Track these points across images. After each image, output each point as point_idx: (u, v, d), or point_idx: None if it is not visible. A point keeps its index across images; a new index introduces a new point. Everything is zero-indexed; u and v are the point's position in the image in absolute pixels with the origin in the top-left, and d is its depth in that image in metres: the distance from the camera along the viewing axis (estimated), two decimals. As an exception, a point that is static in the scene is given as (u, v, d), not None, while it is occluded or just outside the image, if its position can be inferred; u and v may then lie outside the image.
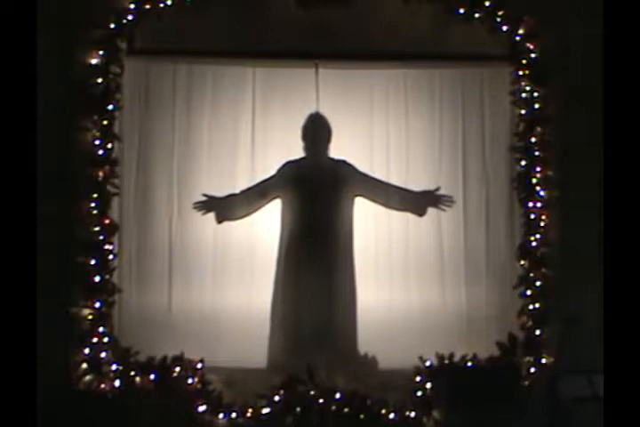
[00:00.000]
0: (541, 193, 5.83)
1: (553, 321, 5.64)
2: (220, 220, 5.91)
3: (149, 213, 5.92)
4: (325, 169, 5.96)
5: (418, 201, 5.97)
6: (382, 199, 5.95)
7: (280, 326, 5.84)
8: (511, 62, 5.93)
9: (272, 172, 5.97)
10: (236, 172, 5.99)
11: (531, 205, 5.83)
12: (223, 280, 5.89)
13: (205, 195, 5.89)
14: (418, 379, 5.63)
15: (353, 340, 5.85)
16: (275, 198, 5.97)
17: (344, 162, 5.97)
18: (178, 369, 5.60)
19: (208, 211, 5.90)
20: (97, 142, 5.72)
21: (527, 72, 5.88)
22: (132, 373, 5.58)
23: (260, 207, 5.95)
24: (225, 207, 5.92)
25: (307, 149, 5.98)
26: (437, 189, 5.94)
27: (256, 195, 5.94)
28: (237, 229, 5.93)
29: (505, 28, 5.91)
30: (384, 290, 5.90)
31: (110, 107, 5.74)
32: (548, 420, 5.20)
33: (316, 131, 5.95)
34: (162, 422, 5.46)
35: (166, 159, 5.95)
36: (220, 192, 5.93)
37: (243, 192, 5.93)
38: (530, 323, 5.72)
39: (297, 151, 5.98)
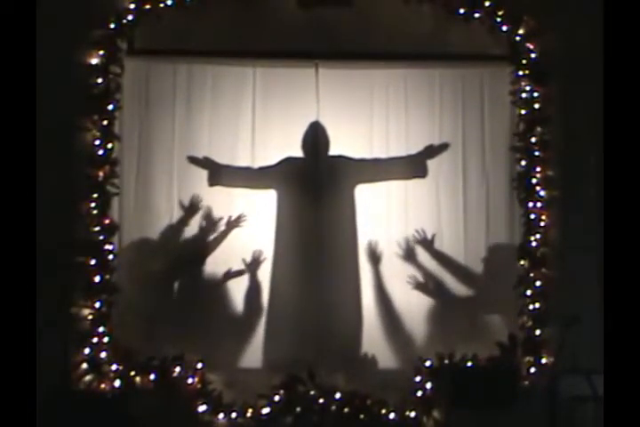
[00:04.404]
0: (541, 193, 5.84)
1: (553, 321, 5.63)
2: (211, 182, 5.92)
3: (149, 213, 5.92)
4: (324, 167, 5.96)
5: (417, 164, 5.97)
6: (382, 175, 5.96)
7: (280, 327, 5.84)
8: (511, 62, 5.93)
9: (272, 171, 6.02)
10: (235, 171, 6.01)
11: (531, 205, 5.83)
12: (224, 281, 5.89)
13: (205, 157, 5.91)
14: (418, 379, 5.64)
15: (355, 340, 5.84)
16: (269, 188, 5.97)
17: (340, 156, 5.98)
18: (178, 369, 5.60)
19: (202, 168, 5.92)
20: (97, 142, 5.72)
21: (527, 72, 5.89)
22: (132, 373, 5.58)
23: (251, 187, 5.94)
24: (220, 173, 5.93)
25: (306, 157, 5.99)
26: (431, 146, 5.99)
27: (252, 174, 5.93)
28: (237, 228, 5.93)
29: (505, 28, 5.92)
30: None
31: (110, 107, 5.75)
32: (548, 420, 5.20)
33: (316, 142, 5.95)
34: (162, 422, 5.46)
35: (166, 159, 5.95)
36: (221, 192, 5.93)
37: (240, 168, 5.94)
38: (530, 323, 5.72)
39: (297, 151, 5.99)
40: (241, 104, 6.00)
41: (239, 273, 5.88)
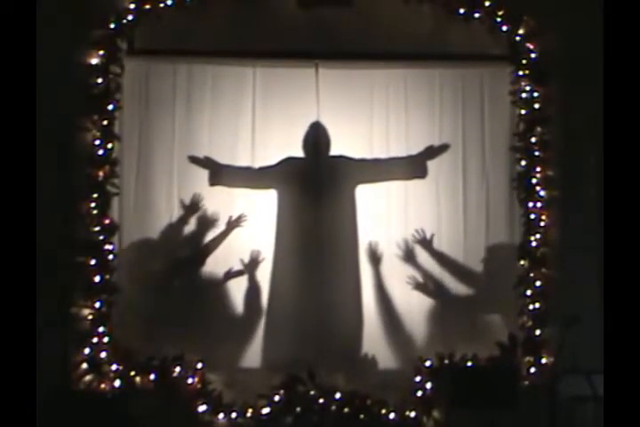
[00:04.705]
0: (541, 193, 5.84)
1: (553, 321, 5.63)
2: (212, 182, 5.93)
3: (149, 213, 5.92)
4: (325, 167, 5.96)
5: (417, 164, 5.97)
6: (383, 175, 5.96)
7: (280, 327, 5.84)
8: (511, 62, 5.93)
9: (272, 171, 6.02)
10: (235, 171, 6.01)
11: (531, 205, 5.83)
12: (224, 281, 5.89)
13: (206, 157, 5.92)
14: (418, 379, 5.64)
15: (355, 340, 5.84)
16: (269, 188, 5.97)
17: (341, 156, 5.98)
18: (178, 369, 5.60)
19: (203, 168, 5.92)
20: (97, 142, 5.72)
21: (527, 72, 5.89)
22: (132, 373, 5.58)
23: (252, 187, 5.95)
24: (221, 173, 5.93)
25: (307, 157, 5.99)
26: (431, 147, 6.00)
27: (253, 174, 5.93)
28: (237, 228, 5.93)
29: (505, 28, 5.92)
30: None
31: (110, 107, 5.74)
32: (548, 420, 5.20)
33: (317, 142, 5.95)
34: (162, 422, 5.46)
35: (166, 159, 5.95)
36: (221, 193, 5.93)
37: (241, 168, 5.95)
38: (530, 323, 5.72)
39: (297, 151, 5.98)
40: (241, 104, 6.00)
41: (239, 273, 5.88)
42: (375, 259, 5.92)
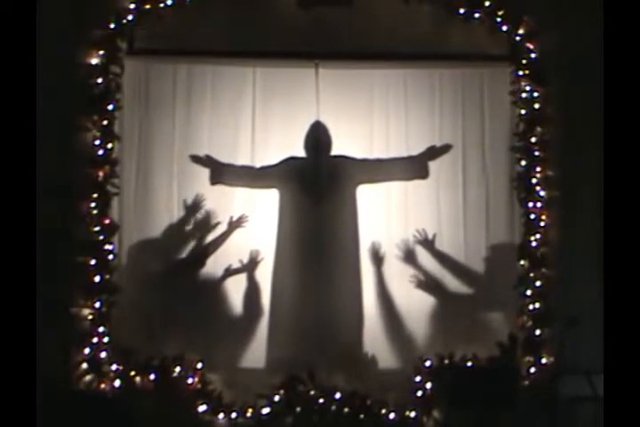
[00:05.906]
0: (541, 193, 5.84)
1: (554, 321, 5.63)
2: (213, 181, 5.93)
3: (149, 213, 5.92)
4: (326, 167, 5.96)
5: (418, 164, 5.97)
6: (384, 175, 5.96)
7: (280, 326, 5.84)
8: (511, 62, 5.93)
9: (272, 171, 6.02)
10: (235, 171, 6.01)
11: (531, 205, 5.83)
12: (223, 279, 5.89)
13: (207, 155, 5.92)
14: (418, 379, 5.64)
15: (355, 340, 5.84)
16: (271, 187, 5.97)
17: (342, 156, 5.98)
18: (178, 369, 5.60)
19: (204, 166, 5.92)
20: (97, 142, 5.72)
21: (527, 72, 5.89)
22: (132, 373, 5.58)
23: (253, 186, 5.95)
24: (222, 172, 5.93)
25: (308, 156, 5.99)
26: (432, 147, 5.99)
27: (254, 173, 5.94)
28: (238, 228, 5.93)
29: (505, 28, 5.92)
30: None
31: (110, 107, 5.74)
32: (548, 420, 5.20)
33: (318, 141, 5.95)
34: (162, 422, 5.46)
35: (166, 159, 5.95)
36: (221, 193, 5.93)
37: (243, 167, 5.95)
38: (530, 323, 5.72)
39: (297, 151, 5.98)
40: (241, 104, 6.00)
41: (238, 271, 5.87)
42: (377, 259, 5.92)
